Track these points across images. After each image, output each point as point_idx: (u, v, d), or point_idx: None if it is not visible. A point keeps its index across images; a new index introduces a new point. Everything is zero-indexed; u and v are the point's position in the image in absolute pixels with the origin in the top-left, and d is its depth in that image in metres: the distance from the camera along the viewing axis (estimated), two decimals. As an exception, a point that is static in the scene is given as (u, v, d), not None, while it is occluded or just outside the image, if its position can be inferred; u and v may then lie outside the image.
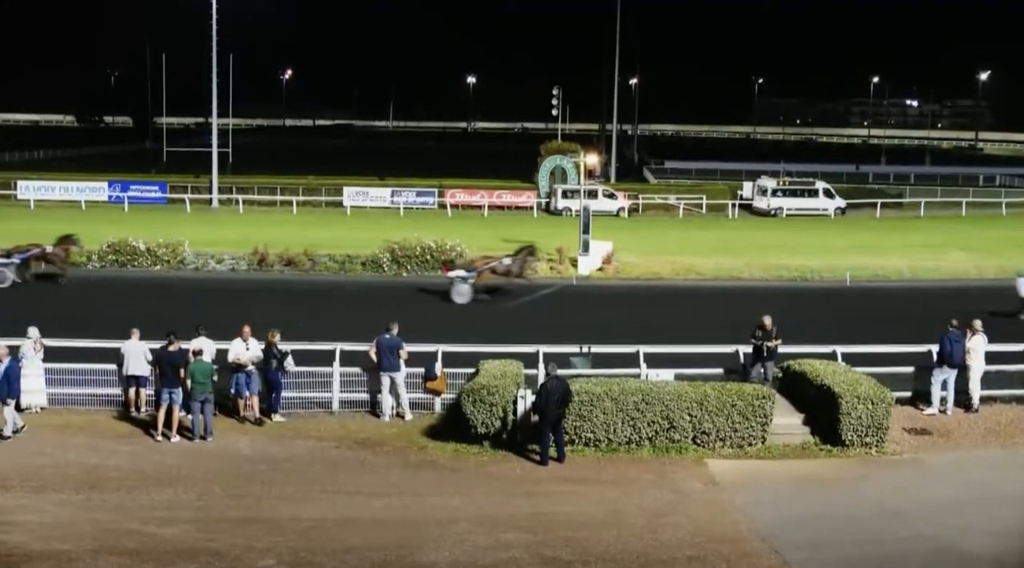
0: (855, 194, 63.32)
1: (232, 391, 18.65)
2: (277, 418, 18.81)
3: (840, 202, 59.40)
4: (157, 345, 18.47)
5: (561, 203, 56.70)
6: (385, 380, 18.94)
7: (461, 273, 31.66)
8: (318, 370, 19.33)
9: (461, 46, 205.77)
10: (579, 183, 50.25)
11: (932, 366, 19.74)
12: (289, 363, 18.91)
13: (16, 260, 32.87)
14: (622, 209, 57.51)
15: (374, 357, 18.85)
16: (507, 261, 32.51)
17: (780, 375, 19.49)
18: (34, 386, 18.87)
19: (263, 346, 18.67)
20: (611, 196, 58.08)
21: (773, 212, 58.33)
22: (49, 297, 31.06)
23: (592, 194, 57.15)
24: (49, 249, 33.70)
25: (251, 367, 18.53)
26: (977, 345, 19.65)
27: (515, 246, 34.58)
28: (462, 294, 31.15)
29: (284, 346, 18.93)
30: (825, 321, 27.70)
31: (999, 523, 14.29)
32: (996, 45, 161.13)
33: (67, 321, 23.91)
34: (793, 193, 59.58)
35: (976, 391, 19.85)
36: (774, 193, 59.15)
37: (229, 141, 65.80)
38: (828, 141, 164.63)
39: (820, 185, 60.78)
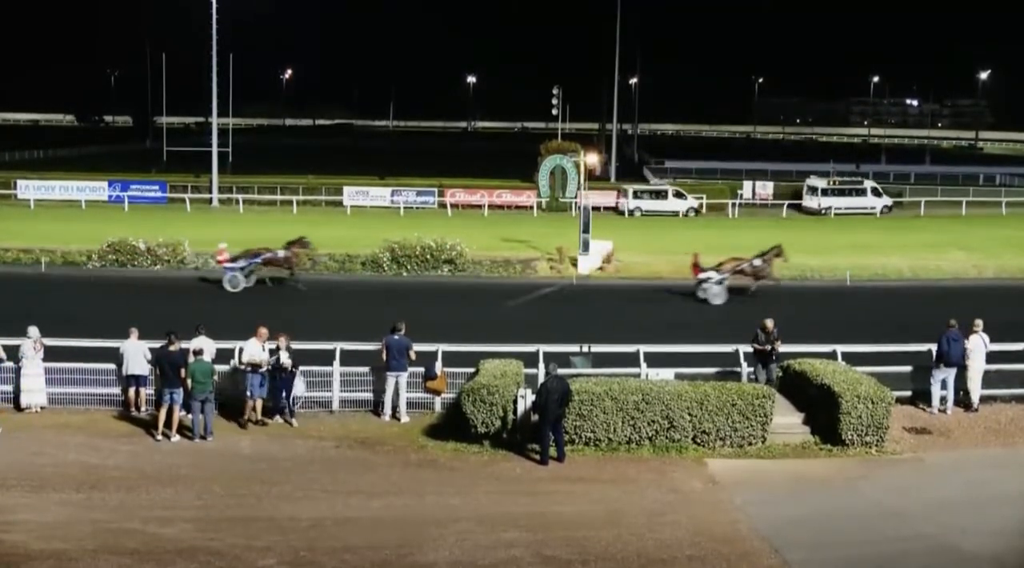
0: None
1: (248, 393, 18.41)
2: (293, 421, 18.62)
3: (887, 200, 60.62)
4: (157, 345, 18.46)
5: (632, 203, 57.77)
6: (391, 380, 18.91)
7: (713, 275, 31.81)
8: (318, 369, 19.30)
9: (461, 46, 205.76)
10: (580, 183, 50.26)
11: (932, 365, 19.74)
12: (299, 385, 18.67)
13: (246, 264, 33.05)
14: (691, 209, 58.37)
15: (384, 357, 18.82)
16: (757, 262, 32.72)
17: (780, 375, 19.49)
18: (34, 386, 18.87)
19: (273, 347, 18.52)
20: (680, 196, 59.00)
21: (824, 211, 59.07)
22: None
23: (662, 194, 58.52)
24: (280, 253, 33.74)
25: (264, 369, 18.43)
26: (977, 345, 19.65)
27: (513, 245, 34.60)
28: (716, 295, 31.43)
29: (287, 358, 18.59)
30: (825, 321, 27.70)
31: (999, 523, 14.29)
32: (996, 45, 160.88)
33: (68, 321, 23.88)
34: (842, 192, 60.52)
35: (976, 390, 19.85)
36: (824, 192, 59.98)
37: (229, 141, 65.82)
38: (828, 141, 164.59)
39: (868, 184, 61.91)
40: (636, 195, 58.47)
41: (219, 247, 33.85)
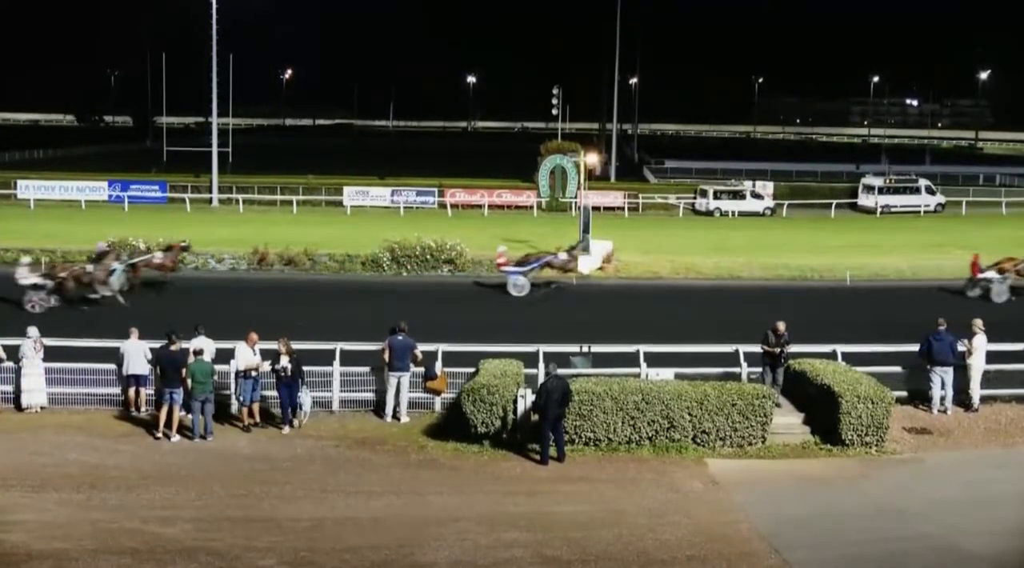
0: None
1: (241, 398, 18.35)
2: (293, 423, 18.46)
3: (940, 198, 61.62)
4: (157, 345, 18.45)
5: (712, 204, 58.50)
6: (392, 381, 18.89)
7: (993, 274, 32.60)
8: (318, 369, 19.28)
9: (461, 46, 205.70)
10: (580, 183, 50.28)
11: (926, 366, 19.73)
12: (304, 396, 18.52)
13: (530, 268, 33.16)
14: (768, 209, 59.35)
15: (386, 358, 18.81)
16: None
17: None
18: (34, 386, 18.87)
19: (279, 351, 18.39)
20: (757, 196, 60.10)
21: (880, 209, 59.88)
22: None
23: (740, 194, 59.72)
24: (562, 256, 33.86)
25: (255, 373, 18.37)
26: (977, 344, 19.64)
27: (513, 245, 34.54)
28: (1000, 293, 32.13)
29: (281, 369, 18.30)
30: (825, 320, 27.68)
31: (999, 523, 14.29)
32: (996, 45, 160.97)
33: (69, 321, 23.89)
34: (897, 190, 61.47)
35: (976, 391, 19.85)
36: (880, 191, 60.80)
37: (229, 141, 65.82)
38: (828, 140, 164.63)
39: (922, 182, 62.78)
40: (716, 196, 59.24)
41: (498, 251, 34.23)
